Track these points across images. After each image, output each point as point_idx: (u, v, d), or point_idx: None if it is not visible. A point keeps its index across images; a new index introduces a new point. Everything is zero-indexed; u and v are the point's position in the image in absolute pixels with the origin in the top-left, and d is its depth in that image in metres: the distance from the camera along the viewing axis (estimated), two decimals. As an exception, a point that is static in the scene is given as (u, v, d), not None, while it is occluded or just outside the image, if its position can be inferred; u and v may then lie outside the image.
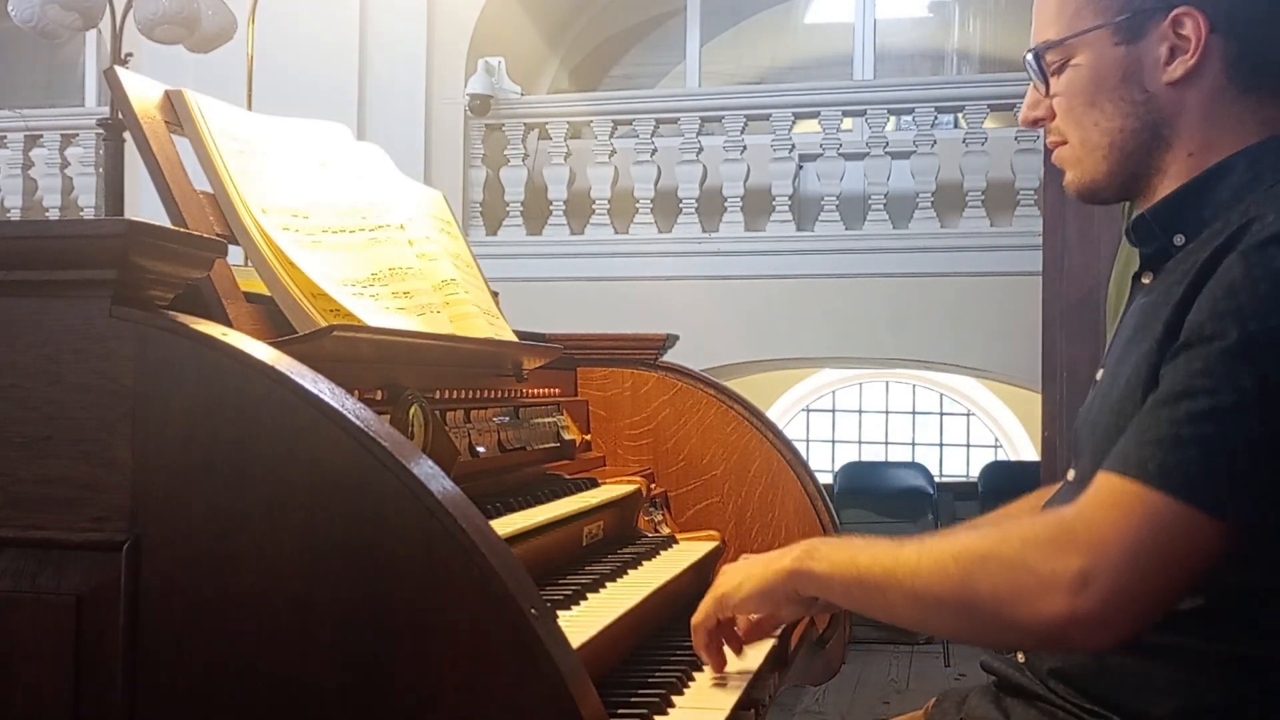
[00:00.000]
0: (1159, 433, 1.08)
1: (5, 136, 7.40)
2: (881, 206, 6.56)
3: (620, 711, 1.27)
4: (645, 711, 1.29)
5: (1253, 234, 1.12)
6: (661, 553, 1.89)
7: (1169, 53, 1.24)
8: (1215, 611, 1.14)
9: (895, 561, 1.20)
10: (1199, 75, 1.24)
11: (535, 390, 2.04)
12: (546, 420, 1.97)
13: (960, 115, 6.81)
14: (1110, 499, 1.09)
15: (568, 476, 1.98)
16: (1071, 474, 1.34)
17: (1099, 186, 1.33)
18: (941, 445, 11.96)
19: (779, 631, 1.56)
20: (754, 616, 1.43)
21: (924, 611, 1.20)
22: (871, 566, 1.22)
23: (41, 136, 7.37)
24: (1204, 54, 1.23)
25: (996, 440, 11.76)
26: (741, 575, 1.37)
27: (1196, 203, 1.24)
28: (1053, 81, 1.32)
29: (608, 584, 1.60)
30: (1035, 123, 1.37)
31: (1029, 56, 1.33)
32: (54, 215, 7.13)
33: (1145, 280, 1.30)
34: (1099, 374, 1.33)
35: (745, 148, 6.78)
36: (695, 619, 1.42)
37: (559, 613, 1.40)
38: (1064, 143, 1.34)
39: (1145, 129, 1.27)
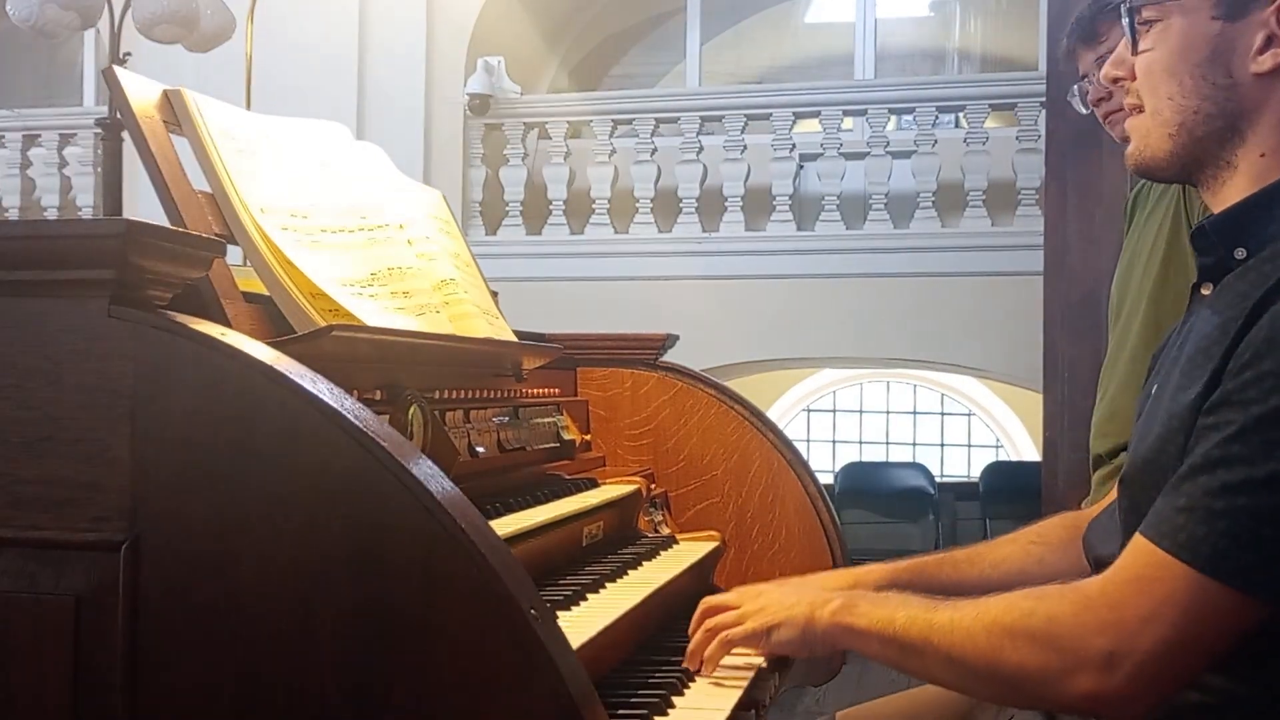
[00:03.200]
0: (1192, 501, 1.07)
1: (3, 136, 7.40)
2: (882, 206, 6.56)
3: (620, 711, 1.27)
4: (645, 712, 1.29)
5: None
6: (661, 553, 1.89)
7: (1265, 41, 1.18)
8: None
9: (930, 626, 1.21)
10: None
11: (535, 390, 2.04)
12: (546, 420, 1.96)
13: (961, 115, 6.80)
14: (1137, 571, 1.09)
15: (568, 476, 1.97)
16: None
17: (1159, 164, 1.26)
18: (942, 445, 11.96)
19: None
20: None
21: (957, 677, 1.23)
22: (909, 628, 1.23)
23: (40, 136, 7.36)
24: None
25: (998, 440, 11.76)
26: (779, 615, 1.37)
27: (1263, 218, 1.19)
28: (1141, 39, 1.25)
29: (608, 584, 1.60)
30: (1115, 80, 1.31)
31: (1124, 7, 1.27)
32: (52, 215, 7.12)
33: (1205, 292, 1.25)
34: (1153, 388, 1.28)
35: (745, 147, 6.78)
36: (731, 633, 1.41)
37: (559, 613, 1.40)
38: (1138, 108, 1.28)
39: (1221, 116, 1.20)
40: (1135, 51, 1.26)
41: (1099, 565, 1.31)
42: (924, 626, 1.22)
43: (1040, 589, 1.20)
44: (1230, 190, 1.23)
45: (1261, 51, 1.18)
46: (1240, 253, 1.20)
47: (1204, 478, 1.07)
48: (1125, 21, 1.27)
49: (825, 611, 1.32)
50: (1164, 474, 1.13)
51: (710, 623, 1.45)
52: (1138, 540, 1.10)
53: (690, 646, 1.45)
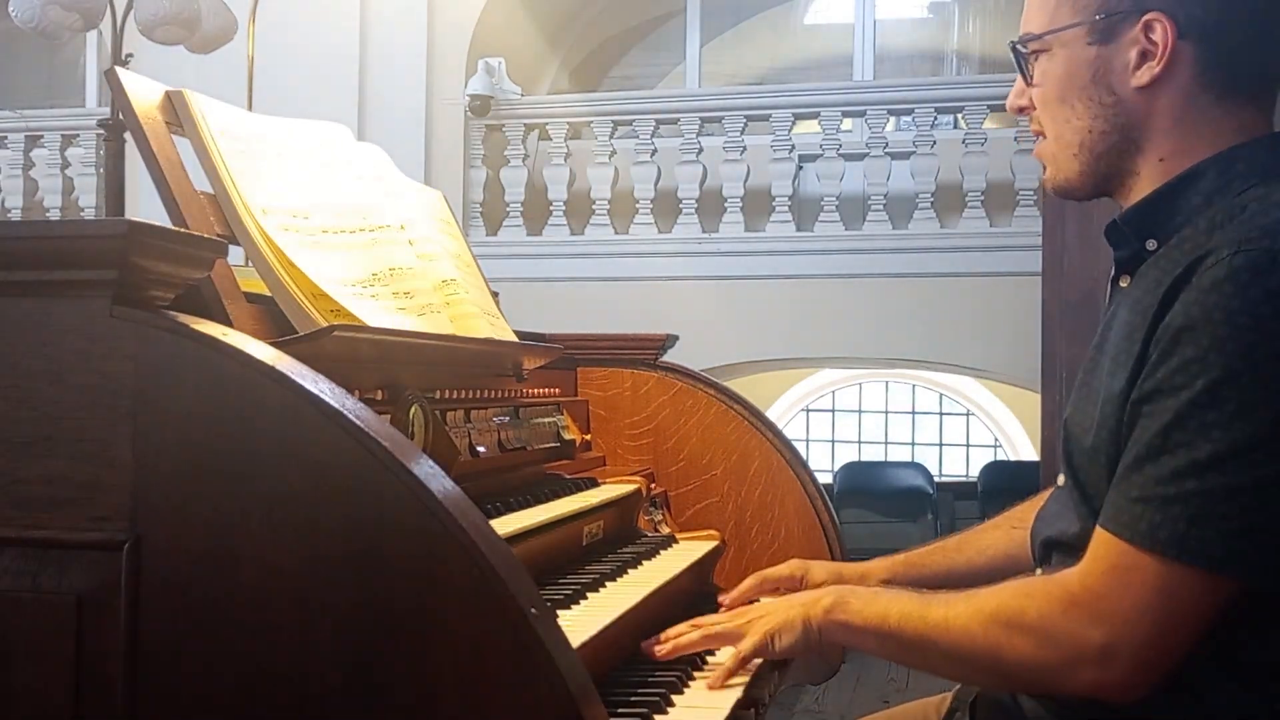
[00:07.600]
0: (1146, 491, 1.12)
1: (6, 137, 7.41)
2: (881, 207, 6.57)
3: (620, 711, 1.27)
4: (645, 711, 1.29)
5: (1206, 269, 1.12)
6: (661, 552, 1.89)
7: (1139, 57, 1.25)
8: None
9: (925, 622, 1.26)
10: (1168, 81, 1.24)
11: (535, 390, 2.04)
12: (546, 420, 1.97)
13: (960, 116, 6.81)
14: (1110, 564, 1.14)
15: (568, 476, 1.98)
16: (1061, 479, 1.35)
17: (1073, 185, 1.34)
18: (941, 445, 11.97)
19: None
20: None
21: (959, 670, 1.29)
22: (903, 624, 1.28)
23: (42, 137, 7.37)
24: (1171, 61, 1.23)
25: (996, 440, 11.77)
26: (778, 621, 1.40)
27: (1168, 209, 1.25)
28: (1033, 73, 1.34)
29: (608, 583, 1.60)
30: (1020, 110, 1.39)
31: (1011, 45, 1.35)
32: (55, 216, 7.13)
33: (1123, 284, 1.31)
34: (1079, 375, 1.34)
35: (745, 148, 6.78)
36: (741, 647, 1.43)
37: (559, 612, 1.40)
38: (1041, 134, 1.36)
39: (1115, 131, 1.28)
40: (1029, 84, 1.35)
41: (1045, 548, 1.36)
42: (919, 623, 1.26)
43: (1026, 583, 1.25)
44: (1138, 195, 1.30)
45: (1138, 67, 1.25)
46: (1152, 244, 1.26)
47: (1150, 467, 1.12)
48: (1014, 58, 1.35)
49: (818, 610, 1.37)
50: (1106, 461, 1.19)
51: (711, 630, 1.47)
52: (1102, 535, 1.16)
53: (681, 645, 1.46)
